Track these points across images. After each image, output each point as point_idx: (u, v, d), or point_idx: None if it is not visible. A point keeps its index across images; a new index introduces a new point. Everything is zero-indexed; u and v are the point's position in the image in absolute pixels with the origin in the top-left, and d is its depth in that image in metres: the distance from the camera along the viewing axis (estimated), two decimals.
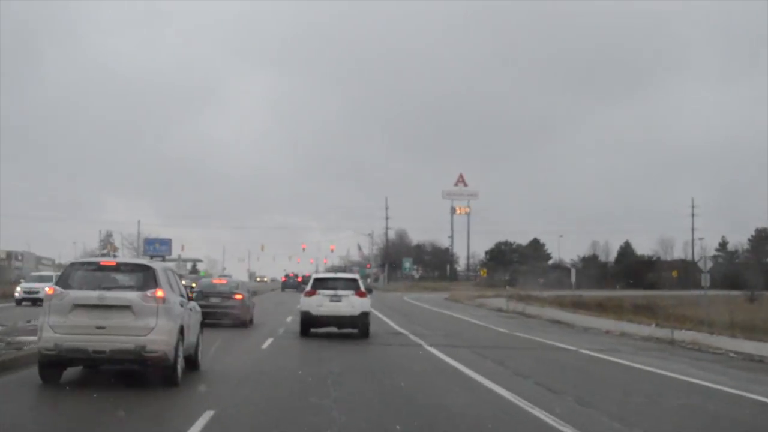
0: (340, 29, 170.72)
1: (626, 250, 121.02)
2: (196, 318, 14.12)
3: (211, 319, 26.10)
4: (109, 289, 11.60)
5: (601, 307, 45.43)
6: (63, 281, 11.78)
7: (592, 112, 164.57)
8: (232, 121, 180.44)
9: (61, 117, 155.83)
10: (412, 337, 24.02)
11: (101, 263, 12.71)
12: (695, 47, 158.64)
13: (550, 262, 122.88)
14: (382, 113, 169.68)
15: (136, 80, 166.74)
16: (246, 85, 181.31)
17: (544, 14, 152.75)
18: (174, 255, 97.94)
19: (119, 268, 12.30)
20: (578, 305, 47.71)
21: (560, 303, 49.97)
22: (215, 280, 31.62)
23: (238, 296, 27.27)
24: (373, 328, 23.73)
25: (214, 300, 26.78)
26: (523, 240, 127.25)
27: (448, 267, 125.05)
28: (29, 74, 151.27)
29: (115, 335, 11.22)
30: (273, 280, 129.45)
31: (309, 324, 22.52)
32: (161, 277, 11.97)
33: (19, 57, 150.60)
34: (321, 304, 22.10)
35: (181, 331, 12.17)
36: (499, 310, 44.37)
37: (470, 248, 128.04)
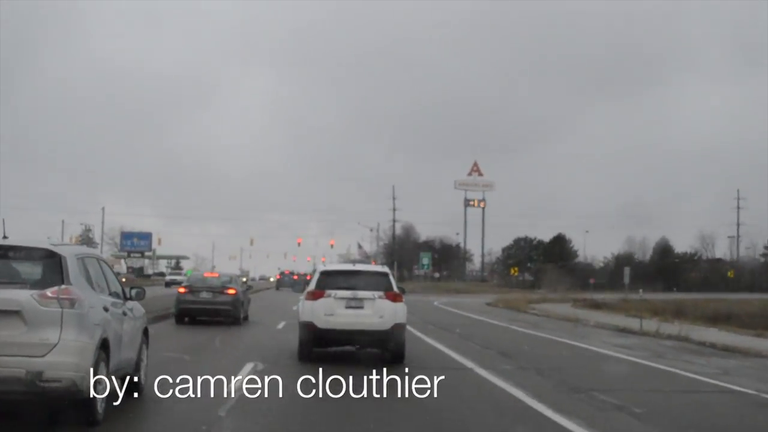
0: (340, 27, 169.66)
1: (663, 247, 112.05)
2: (135, 325, 10.42)
3: (201, 316, 25.25)
4: None
5: (722, 319, 34.72)
6: None
7: (620, 103, 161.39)
8: (231, 121, 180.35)
9: (60, 115, 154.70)
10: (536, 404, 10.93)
11: None
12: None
13: (577, 260, 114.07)
14: (384, 112, 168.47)
15: (135, 79, 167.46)
16: (246, 84, 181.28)
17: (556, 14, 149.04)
18: (163, 252, 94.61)
19: (8, 253, 8.37)
20: (716, 318, 35.03)
21: (679, 312, 38.00)
22: (207, 274, 29.23)
23: (231, 291, 25.75)
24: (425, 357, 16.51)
25: (204, 295, 25.55)
26: (545, 236, 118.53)
27: (464, 265, 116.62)
28: (27, 72, 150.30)
29: None
30: (262, 279, 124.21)
31: (312, 343, 14.98)
32: (72, 267, 8.32)
33: (17, 54, 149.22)
34: (332, 311, 14.64)
35: (105, 346, 8.51)
36: (625, 330, 27.76)
37: (485, 245, 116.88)
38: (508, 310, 45.22)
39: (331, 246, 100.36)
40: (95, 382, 8.13)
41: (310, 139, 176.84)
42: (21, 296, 7.79)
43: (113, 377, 9.50)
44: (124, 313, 9.83)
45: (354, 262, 15.50)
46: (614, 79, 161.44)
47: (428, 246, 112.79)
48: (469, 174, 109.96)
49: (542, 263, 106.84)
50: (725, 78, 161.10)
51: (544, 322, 32.41)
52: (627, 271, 60.60)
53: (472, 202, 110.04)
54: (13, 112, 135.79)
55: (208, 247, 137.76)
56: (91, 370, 8.04)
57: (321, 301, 14.77)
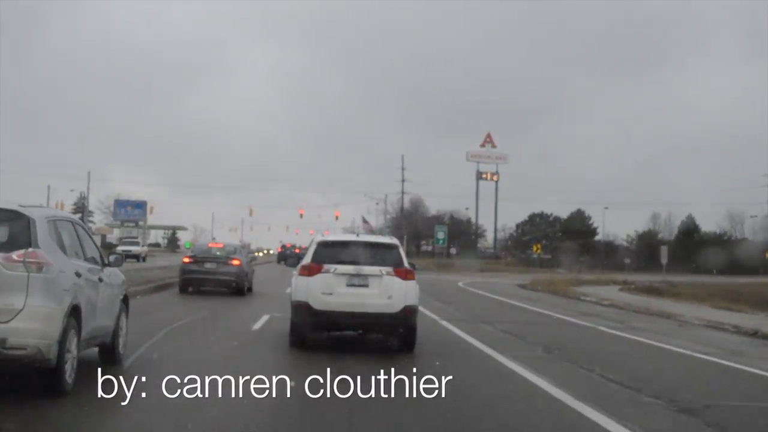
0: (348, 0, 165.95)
1: (689, 226, 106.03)
2: (113, 292, 10.17)
3: (206, 286, 25.48)
4: None
5: None
6: None
7: (642, 78, 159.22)
8: (237, 91, 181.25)
9: (66, 87, 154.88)
10: None
11: None
12: None
13: (597, 237, 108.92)
14: (393, 84, 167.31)
15: (142, 52, 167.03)
16: (252, 58, 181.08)
17: None
18: (157, 221, 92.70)
19: None
20: None
21: (749, 300, 32.18)
22: (211, 244, 29.57)
23: (236, 261, 26.09)
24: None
25: (209, 265, 25.85)
26: (561, 212, 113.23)
27: (475, 242, 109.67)
28: (35, 43, 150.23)
29: None
30: (259, 251, 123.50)
31: (306, 327, 12.98)
32: (41, 230, 8.06)
33: (25, 25, 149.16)
34: (331, 289, 12.60)
35: (75, 313, 8.28)
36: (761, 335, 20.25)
37: (498, 220, 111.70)
38: (551, 294, 38.15)
39: (336, 217, 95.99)
40: (62, 352, 7.91)
41: (316, 110, 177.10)
42: None
43: (89, 347, 9.36)
44: (101, 279, 9.58)
45: (358, 233, 13.43)
46: (637, 52, 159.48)
47: (438, 220, 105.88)
48: (482, 145, 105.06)
49: (560, 240, 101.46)
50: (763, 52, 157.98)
51: (624, 317, 25.05)
52: (664, 251, 57.71)
53: (484, 175, 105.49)
54: (17, 75, 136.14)
55: (208, 219, 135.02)
56: (59, 337, 7.84)
57: (318, 277, 12.67)
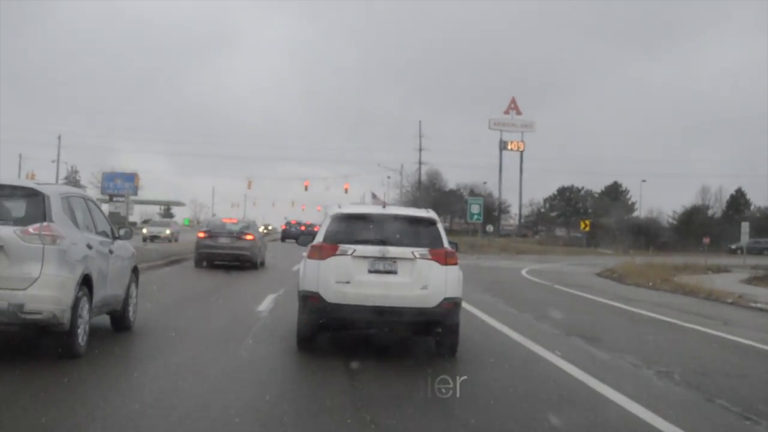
0: None
1: (738, 201, 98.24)
2: (123, 264, 11.13)
3: (220, 260, 26.72)
4: None
5: None
6: None
7: (678, 48, 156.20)
8: (244, 66, 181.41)
9: (74, 59, 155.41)
10: None
11: None
12: None
13: (635, 213, 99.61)
14: (407, 55, 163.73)
15: (150, 24, 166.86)
16: (262, 32, 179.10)
17: None
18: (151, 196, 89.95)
19: None
20: None
21: None
22: (225, 219, 30.67)
23: (249, 237, 27.31)
24: None
25: (223, 240, 27.04)
26: (593, 185, 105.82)
27: (499, 218, 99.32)
28: (44, 16, 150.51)
29: None
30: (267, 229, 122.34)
31: (316, 324, 10.46)
32: (55, 205, 8.96)
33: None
34: (348, 277, 10.15)
35: (87, 282, 9.20)
36: None
37: (523, 195, 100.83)
38: (669, 293, 26.63)
39: (346, 190, 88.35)
40: (75, 317, 8.86)
41: (327, 82, 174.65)
42: (4, 232, 8.45)
43: (101, 314, 10.37)
44: (111, 252, 10.50)
45: (384, 203, 11.35)
46: (675, 21, 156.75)
47: (454, 196, 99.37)
48: (506, 112, 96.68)
49: (595, 216, 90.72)
50: None
51: None
52: (746, 227, 47.83)
53: (509, 145, 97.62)
54: (25, 46, 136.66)
55: (209, 194, 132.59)
56: (71, 304, 8.77)
57: (332, 261, 10.19)
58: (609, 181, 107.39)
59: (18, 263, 8.45)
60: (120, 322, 11.20)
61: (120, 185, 74.99)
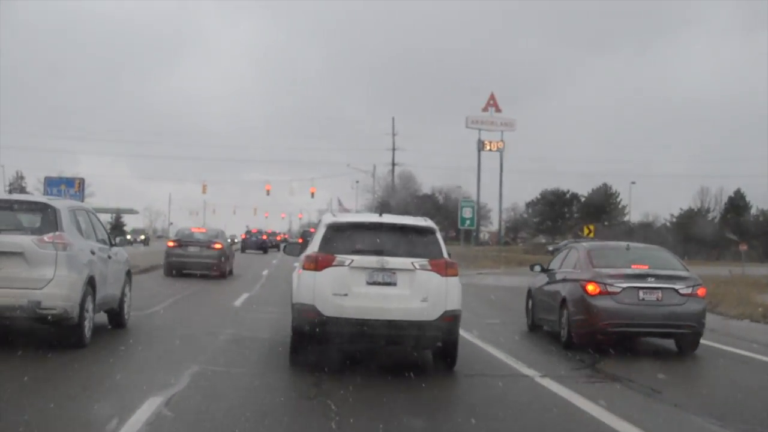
0: None
1: (737, 203, 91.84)
2: (119, 267, 13.06)
3: (189, 269, 27.90)
4: None
5: None
6: None
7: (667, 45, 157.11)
8: (209, 71, 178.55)
9: (34, 60, 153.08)
10: None
11: None
12: None
13: (626, 217, 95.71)
14: (373, 68, 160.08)
15: (112, 25, 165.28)
16: (226, 34, 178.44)
17: None
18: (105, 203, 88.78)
19: (12, 206, 11.12)
20: None
21: None
22: (194, 229, 32.11)
23: (218, 245, 28.52)
24: None
25: (192, 249, 28.24)
26: (579, 188, 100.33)
27: (478, 224, 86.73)
28: (3, 16, 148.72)
29: (4, 288, 10.10)
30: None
31: (311, 338, 10.25)
32: (65, 217, 10.83)
33: None
34: (345, 289, 10.04)
35: (91, 283, 11.07)
36: None
37: (504, 200, 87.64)
38: None
39: (312, 194, 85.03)
40: (82, 312, 10.73)
41: (293, 87, 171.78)
42: (24, 240, 10.35)
43: (100, 311, 12.25)
44: (109, 257, 12.39)
45: (380, 212, 11.75)
46: (661, 16, 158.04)
47: (428, 200, 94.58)
48: (485, 109, 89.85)
49: (581, 221, 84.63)
50: None
51: None
52: None
53: (487, 145, 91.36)
54: None
55: (166, 201, 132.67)
56: (80, 301, 10.63)
57: (328, 272, 10.10)
58: (594, 184, 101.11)
59: (35, 266, 10.31)
60: (116, 319, 13.06)
61: (64, 191, 71.82)
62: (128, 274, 13.74)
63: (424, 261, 10.18)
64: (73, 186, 70.20)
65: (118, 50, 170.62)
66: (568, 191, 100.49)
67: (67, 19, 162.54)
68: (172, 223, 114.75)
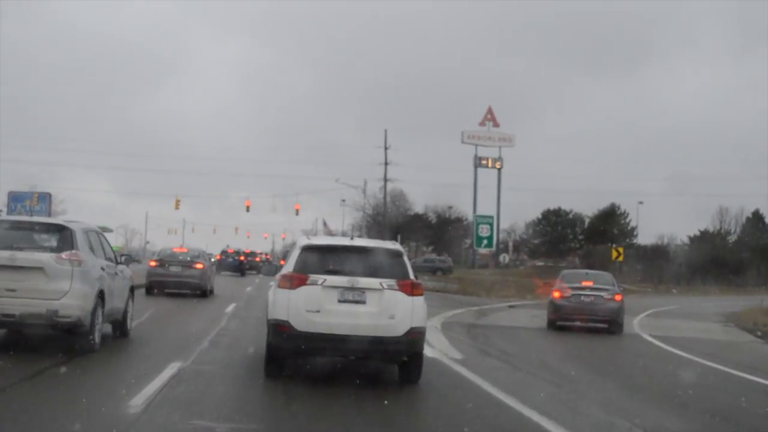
0: None
1: (755, 224, 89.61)
2: (124, 283, 14.81)
3: (171, 288, 28.67)
4: (21, 249, 12.28)
5: None
6: None
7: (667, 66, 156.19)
8: (196, 92, 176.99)
9: (16, 77, 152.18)
10: None
11: (14, 221, 13.51)
12: None
13: (634, 239, 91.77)
14: (365, 87, 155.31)
15: (97, 42, 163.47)
16: (213, 55, 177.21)
17: None
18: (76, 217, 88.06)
19: (34, 227, 13.03)
20: None
21: None
22: (176, 249, 33.34)
23: (199, 265, 29.44)
24: None
25: (174, 269, 29.09)
26: (584, 208, 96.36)
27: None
28: None
29: (26, 298, 11.86)
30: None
31: (285, 352, 11.53)
32: (80, 238, 12.62)
33: None
34: (318, 306, 11.14)
35: (101, 295, 12.81)
36: None
37: (502, 220, 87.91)
38: None
39: (297, 211, 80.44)
40: (93, 321, 12.51)
41: (281, 108, 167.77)
42: (44, 257, 12.16)
43: (107, 321, 14.06)
44: (116, 273, 14.21)
45: (351, 236, 12.50)
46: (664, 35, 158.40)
47: (420, 220, 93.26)
48: (482, 123, 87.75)
49: (587, 243, 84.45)
50: None
51: None
52: None
53: (484, 161, 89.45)
54: None
55: (143, 220, 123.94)
56: (91, 311, 12.41)
57: (302, 290, 11.16)
58: (598, 204, 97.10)
59: (54, 280, 12.11)
60: (120, 328, 14.85)
61: (30, 207, 64.21)
62: (131, 289, 15.54)
63: (392, 281, 11.29)
64: (44, 201, 65.05)
65: (105, 68, 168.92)
66: (571, 211, 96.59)
67: (52, 37, 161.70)
68: (148, 242, 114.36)
